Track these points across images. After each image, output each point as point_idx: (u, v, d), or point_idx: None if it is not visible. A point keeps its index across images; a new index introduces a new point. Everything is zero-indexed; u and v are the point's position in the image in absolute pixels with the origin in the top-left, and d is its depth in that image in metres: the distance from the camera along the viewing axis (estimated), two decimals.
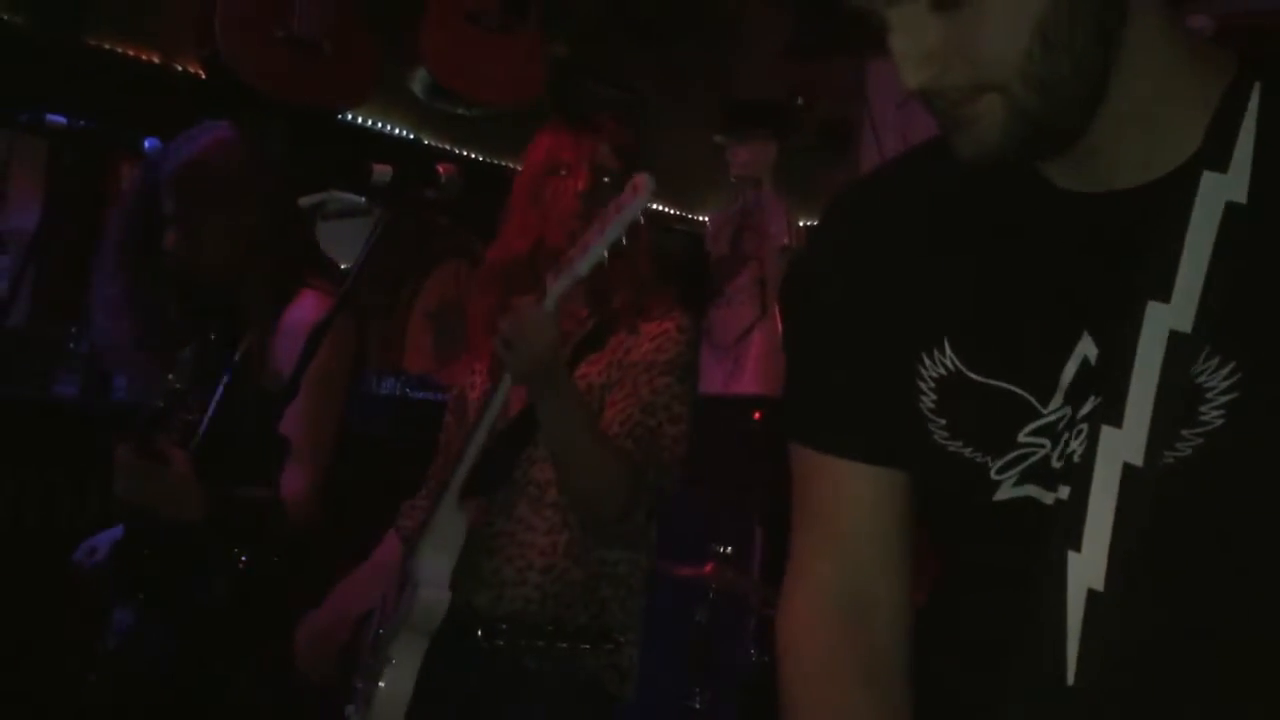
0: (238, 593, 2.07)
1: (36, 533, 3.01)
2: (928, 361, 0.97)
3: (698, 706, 2.99)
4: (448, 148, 4.16)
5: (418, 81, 3.88)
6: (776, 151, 4.49)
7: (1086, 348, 0.91)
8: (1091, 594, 0.88)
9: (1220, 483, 0.88)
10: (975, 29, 0.85)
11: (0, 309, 2.65)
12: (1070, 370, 0.91)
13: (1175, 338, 0.86)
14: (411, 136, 4.06)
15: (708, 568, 3.03)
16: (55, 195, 3.27)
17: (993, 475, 0.95)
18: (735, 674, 3.22)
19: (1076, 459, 0.90)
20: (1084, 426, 0.90)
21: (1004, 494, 0.94)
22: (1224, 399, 0.87)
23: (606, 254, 1.67)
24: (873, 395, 1.02)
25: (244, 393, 2.17)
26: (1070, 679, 0.88)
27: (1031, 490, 0.94)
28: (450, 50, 3.82)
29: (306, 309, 2.17)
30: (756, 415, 3.99)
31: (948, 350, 0.96)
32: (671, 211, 4.92)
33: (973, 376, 0.95)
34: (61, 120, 2.30)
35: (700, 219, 4.85)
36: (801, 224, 4.49)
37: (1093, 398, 0.90)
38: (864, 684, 1.03)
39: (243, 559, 2.04)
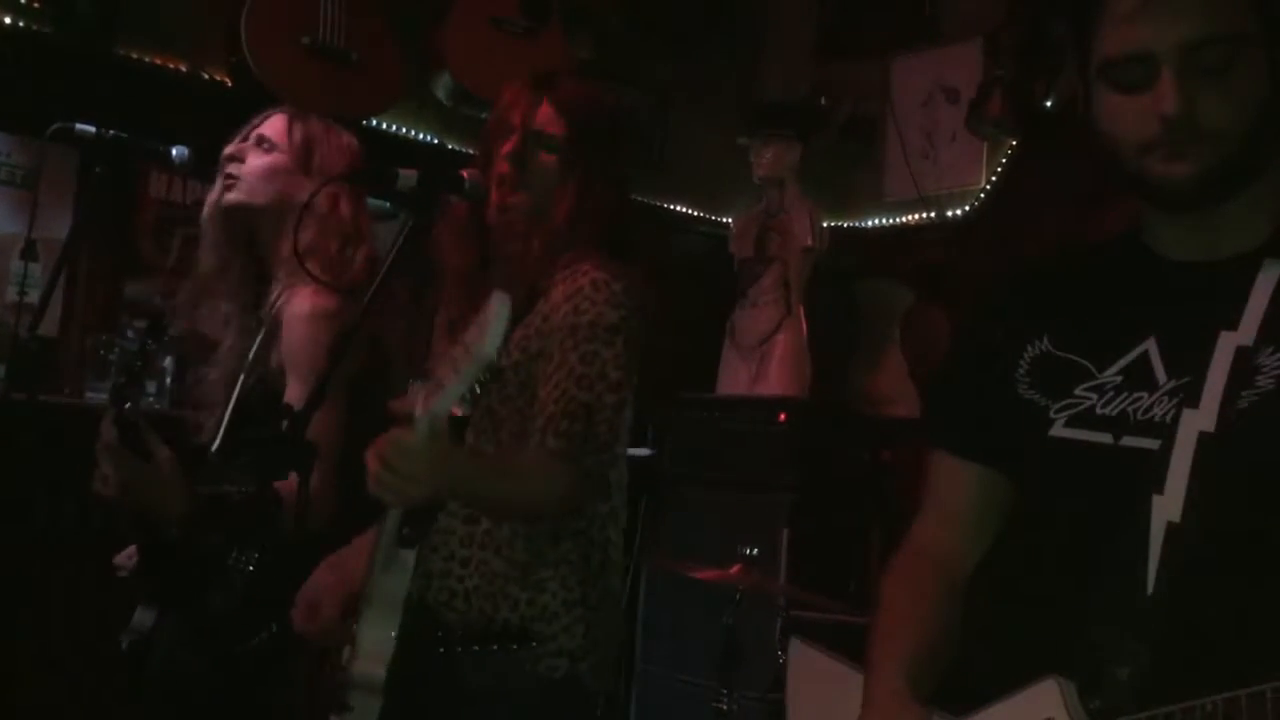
0: (246, 598, 2.04)
1: (70, 538, 3.04)
2: (1029, 348, 1.39)
3: (726, 708, 2.99)
4: (472, 152, 4.17)
5: (442, 86, 3.90)
6: (800, 152, 4.48)
7: (1148, 346, 1.30)
8: (1170, 525, 1.20)
9: (1270, 428, 1.20)
10: (1224, 92, 1.23)
11: (32, 317, 2.68)
12: (1130, 356, 1.31)
13: (1240, 350, 1.24)
14: (436, 141, 4.08)
15: (734, 570, 3.03)
16: (85, 203, 3.31)
17: (1051, 414, 1.33)
18: (763, 676, 3.22)
19: (1157, 420, 1.25)
20: (1130, 393, 1.28)
21: (1057, 430, 1.32)
22: (1275, 372, 1.22)
23: (474, 388, 1.51)
24: (986, 388, 1.41)
25: (254, 392, 2.20)
26: (1149, 589, 1.20)
27: (1081, 434, 1.30)
28: (474, 55, 3.83)
29: (303, 302, 2.20)
30: (782, 417, 3.98)
31: (1045, 340, 1.38)
32: (695, 213, 4.92)
33: (1056, 352, 1.37)
34: (91, 129, 2.32)
35: (724, 220, 4.85)
36: (826, 225, 4.48)
37: (1147, 375, 1.29)
38: (931, 596, 1.40)
39: (250, 566, 2.03)
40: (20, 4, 3.26)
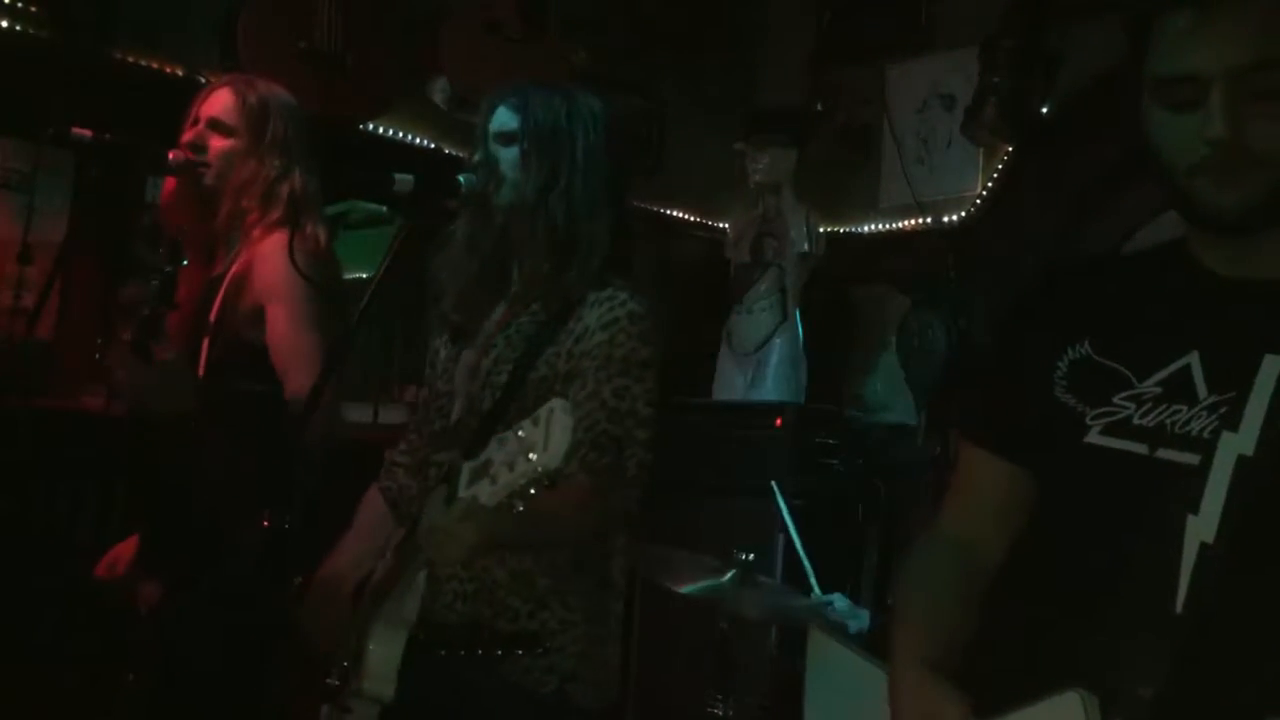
0: (262, 561, 2.05)
1: (66, 542, 3.03)
2: (1069, 350, 1.38)
3: (720, 714, 2.98)
4: (469, 156, 4.17)
5: (438, 91, 3.90)
6: (797, 158, 4.48)
7: (1191, 360, 1.28)
8: (1203, 545, 1.20)
9: None
10: (1276, 116, 1.21)
11: (27, 321, 2.68)
12: (1172, 368, 1.29)
13: None
14: (432, 146, 4.07)
15: (730, 575, 3.02)
16: (81, 207, 3.30)
17: (1087, 421, 1.31)
18: (758, 682, 3.21)
19: (1195, 434, 1.24)
20: (1169, 404, 1.27)
21: (1093, 438, 1.30)
22: None
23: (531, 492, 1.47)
24: (1022, 387, 1.40)
25: (229, 350, 2.29)
26: (1178, 609, 1.19)
27: (1117, 443, 1.28)
28: (470, 60, 3.84)
29: (273, 243, 2.29)
30: (778, 422, 3.98)
31: (1087, 344, 1.37)
32: (691, 218, 4.92)
33: (1096, 357, 1.35)
34: (87, 133, 2.33)
35: (720, 226, 4.85)
36: (822, 230, 4.48)
37: (1187, 388, 1.27)
38: (953, 585, 1.40)
39: (265, 522, 2.04)
40: (17, 7, 3.26)
